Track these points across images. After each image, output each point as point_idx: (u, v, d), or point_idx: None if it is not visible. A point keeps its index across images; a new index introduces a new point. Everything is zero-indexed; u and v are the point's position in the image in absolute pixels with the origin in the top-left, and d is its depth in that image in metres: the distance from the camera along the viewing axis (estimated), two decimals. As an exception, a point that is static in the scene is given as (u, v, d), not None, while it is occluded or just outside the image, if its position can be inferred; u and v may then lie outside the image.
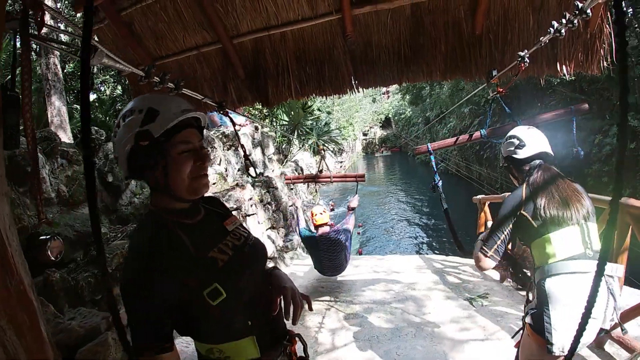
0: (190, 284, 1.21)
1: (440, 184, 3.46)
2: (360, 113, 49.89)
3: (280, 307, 1.41)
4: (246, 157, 2.91)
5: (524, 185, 2.13)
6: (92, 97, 12.71)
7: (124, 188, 5.65)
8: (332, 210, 20.49)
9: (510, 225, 2.07)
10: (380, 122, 59.90)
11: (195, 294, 1.21)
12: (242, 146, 2.99)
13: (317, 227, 5.06)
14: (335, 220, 9.40)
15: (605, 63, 3.35)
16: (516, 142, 2.28)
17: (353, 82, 3.72)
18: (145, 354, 1.13)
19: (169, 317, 1.20)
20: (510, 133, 2.35)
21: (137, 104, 1.28)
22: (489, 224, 6.54)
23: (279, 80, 3.69)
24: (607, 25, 3.09)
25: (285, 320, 1.42)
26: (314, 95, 3.86)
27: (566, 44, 3.15)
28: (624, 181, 12.04)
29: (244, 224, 1.70)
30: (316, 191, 28.35)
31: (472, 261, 7.36)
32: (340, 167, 43.63)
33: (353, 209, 5.11)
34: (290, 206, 10.04)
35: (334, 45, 3.54)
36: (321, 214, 5.06)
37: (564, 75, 3.45)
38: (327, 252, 4.83)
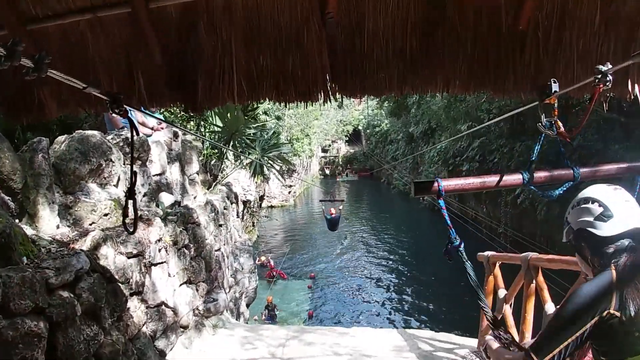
0: None
1: (462, 247, 2.92)
2: (320, 121, 50.00)
3: None
4: (131, 193, 2.45)
5: (612, 271, 1.93)
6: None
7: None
8: (262, 265, 22.93)
9: (587, 327, 1.89)
10: (346, 136, 60.51)
11: None
12: (134, 174, 2.52)
13: (331, 215, 20.85)
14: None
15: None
16: (597, 209, 2.05)
17: (328, 86, 3.36)
18: None
19: None
20: (587, 194, 2.11)
21: None
22: (501, 292, 6.34)
23: (216, 72, 3.25)
24: None
25: None
26: (268, 99, 3.50)
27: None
28: None
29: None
30: (253, 225, 28.19)
31: (475, 341, 7.29)
32: (289, 193, 43.36)
33: (340, 210, 22.08)
34: (216, 250, 9.55)
35: (305, 27, 3.18)
36: (332, 209, 21.61)
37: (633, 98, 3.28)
38: (333, 222, 20.52)
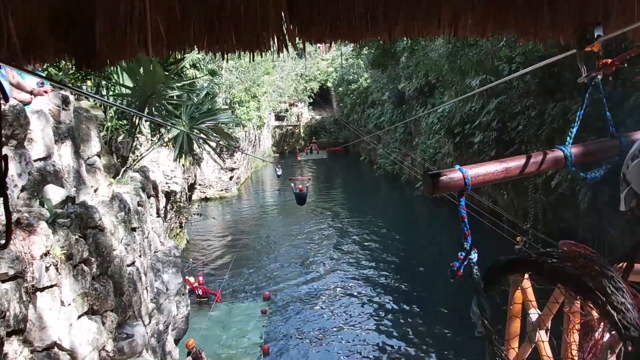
0: None
1: (475, 259, 2.97)
2: (272, 77, 50.01)
3: None
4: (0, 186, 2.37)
5: None
6: None
7: None
8: (189, 288, 22.86)
9: None
10: (310, 97, 60.64)
11: None
12: (4, 157, 2.39)
13: (300, 190, 32.91)
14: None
15: None
16: None
17: (284, 27, 3.33)
18: None
19: None
20: None
21: None
22: (533, 314, 6.42)
23: (122, 11, 3.16)
24: None
25: None
26: (197, 49, 3.50)
27: None
28: None
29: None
30: (181, 226, 28.25)
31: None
32: (231, 180, 43.31)
33: (307, 187, 35.40)
34: (129, 265, 9.50)
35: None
36: (301, 186, 33.17)
37: None
38: (301, 196, 32.43)
